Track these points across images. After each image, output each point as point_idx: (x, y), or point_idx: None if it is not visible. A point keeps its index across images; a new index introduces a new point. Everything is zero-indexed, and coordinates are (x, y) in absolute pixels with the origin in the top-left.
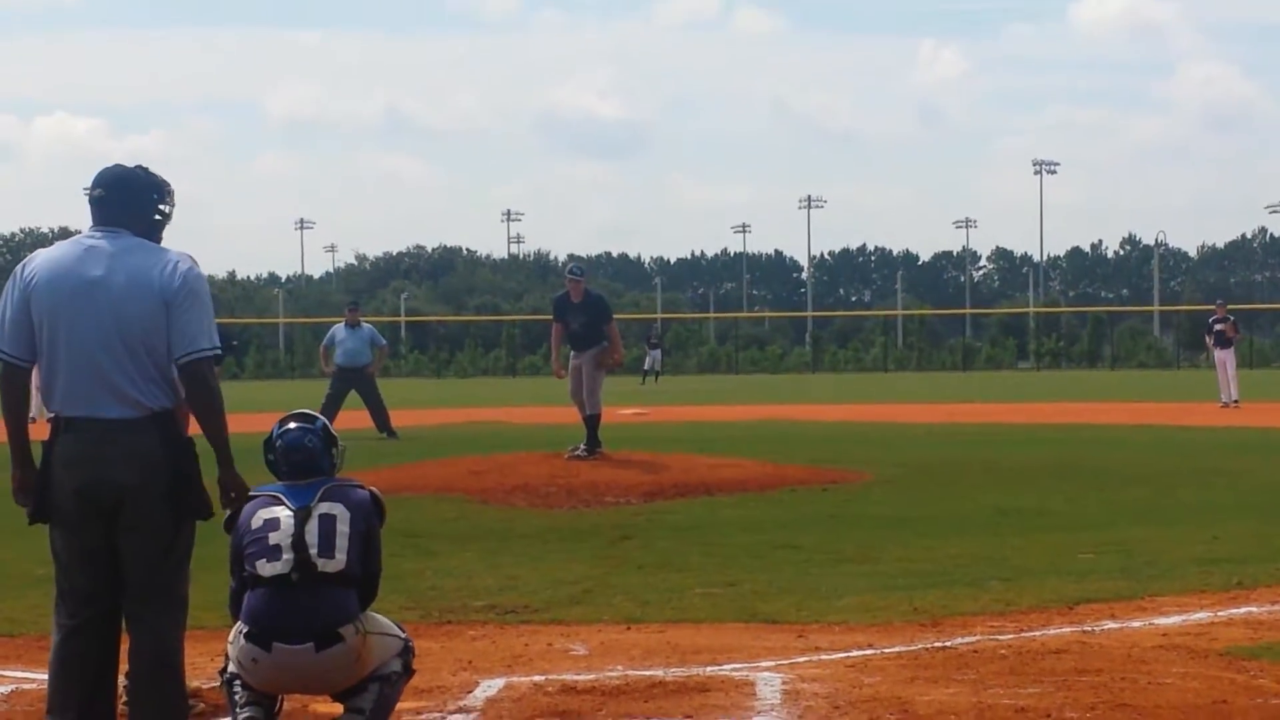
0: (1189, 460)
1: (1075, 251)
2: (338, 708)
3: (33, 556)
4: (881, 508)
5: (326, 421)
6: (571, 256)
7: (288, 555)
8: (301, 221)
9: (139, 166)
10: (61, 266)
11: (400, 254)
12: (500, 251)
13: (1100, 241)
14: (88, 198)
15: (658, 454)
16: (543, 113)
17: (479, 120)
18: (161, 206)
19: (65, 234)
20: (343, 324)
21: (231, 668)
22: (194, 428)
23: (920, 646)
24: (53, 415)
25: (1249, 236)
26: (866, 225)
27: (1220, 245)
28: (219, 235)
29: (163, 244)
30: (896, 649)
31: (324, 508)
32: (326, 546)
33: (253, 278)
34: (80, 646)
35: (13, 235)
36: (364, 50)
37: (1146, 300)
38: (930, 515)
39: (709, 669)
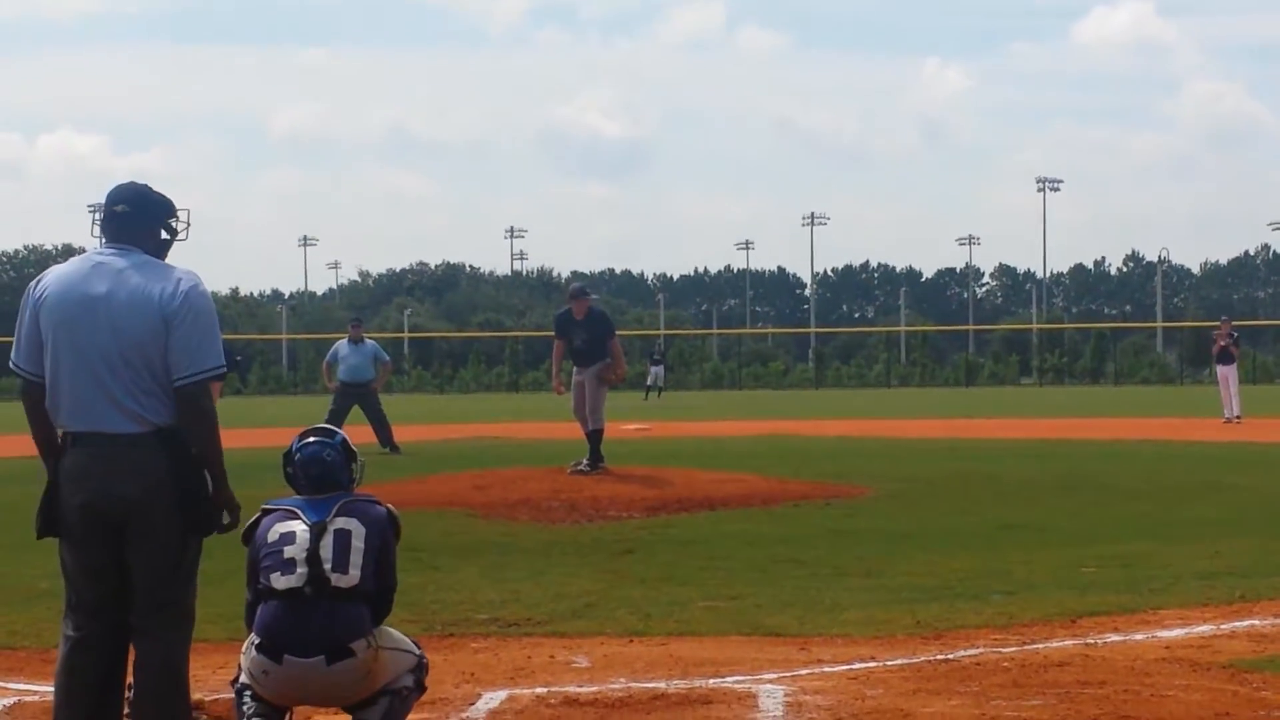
0: (1192, 475)
1: (1078, 268)
2: (343, 719)
3: (36, 570)
4: (884, 522)
5: (346, 436)
6: (575, 274)
7: (302, 569)
8: (305, 238)
9: (145, 185)
10: (69, 282)
11: (404, 270)
12: (503, 268)
13: (1103, 258)
14: (103, 214)
15: (660, 469)
16: (546, 130)
17: (483, 137)
18: (171, 224)
19: (69, 251)
20: (346, 340)
21: (243, 678)
22: None
23: (923, 659)
24: (37, 432)
25: (1252, 253)
26: (869, 242)
27: (1223, 262)
28: (222, 252)
29: (169, 263)
30: (899, 661)
31: (340, 523)
32: (341, 562)
33: (256, 294)
34: (87, 660)
35: (16, 252)
36: (367, 67)
37: (1149, 316)
38: (933, 529)
39: (711, 681)
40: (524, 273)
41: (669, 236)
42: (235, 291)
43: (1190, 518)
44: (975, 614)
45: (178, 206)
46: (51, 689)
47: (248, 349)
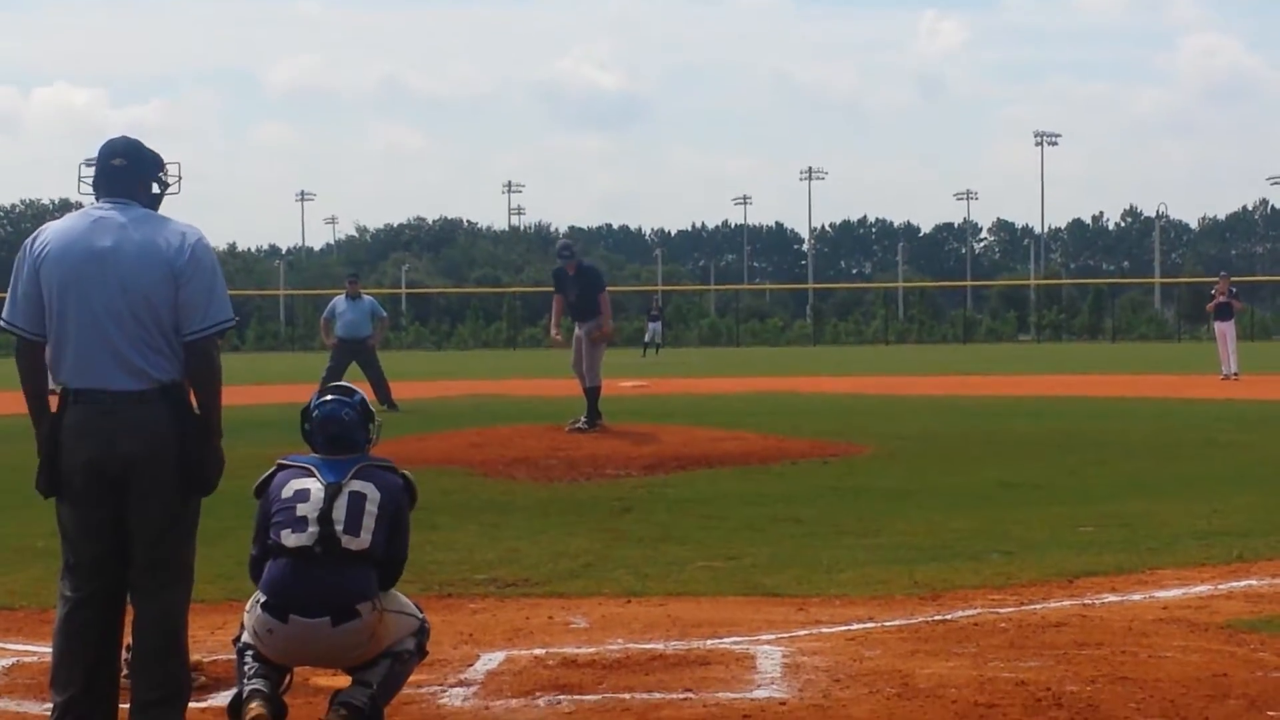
0: (1190, 433)
1: (1076, 223)
2: (339, 680)
3: (33, 530)
4: (882, 481)
5: (365, 396)
6: (572, 228)
7: (313, 528)
8: (302, 193)
9: (137, 139)
10: (71, 237)
11: (401, 226)
12: (501, 223)
13: (1101, 213)
14: (98, 169)
15: (658, 426)
16: (544, 84)
17: (479, 91)
18: (161, 177)
19: (66, 205)
20: (343, 296)
21: (246, 637)
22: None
23: (920, 620)
24: (59, 387)
25: (1250, 208)
26: (867, 197)
27: (1221, 217)
28: (219, 207)
29: (169, 216)
30: (897, 622)
31: (356, 485)
32: (353, 524)
33: (253, 250)
34: (85, 620)
35: (13, 207)
36: (364, 20)
37: (1147, 272)
38: (931, 488)
39: (709, 642)
40: (522, 228)
41: (667, 192)
42: (233, 247)
43: (1188, 476)
44: (973, 574)
45: (168, 160)
46: (49, 649)
47: (245, 305)
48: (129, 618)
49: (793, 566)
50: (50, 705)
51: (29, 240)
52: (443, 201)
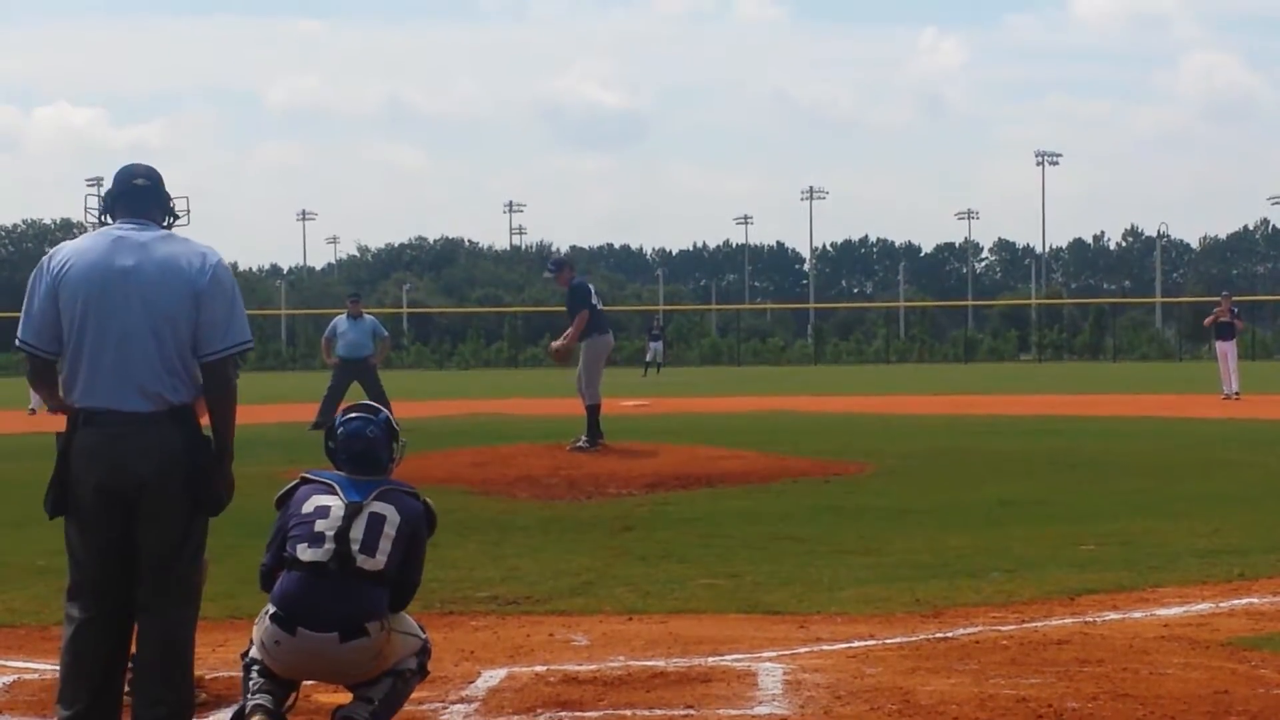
0: (1191, 452)
1: (1077, 243)
2: (339, 696)
3: (35, 548)
4: (883, 499)
5: (390, 414)
6: (573, 248)
7: (330, 545)
8: (303, 213)
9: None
10: (93, 256)
11: (402, 245)
12: (502, 243)
13: (1102, 233)
14: (117, 189)
15: (659, 445)
16: (544, 103)
17: (481, 111)
18: (172, 206)
19: (68, 225)
20: (344, 315)
21: (254, 651)
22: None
23: (922, 637)
24: (54, 408)
25: (1251, 228)
26: (868, 217)
27: (1222, 237)
28: (221, 226)
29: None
30: (898, 640)
31: (376, 507)
32: (370, 545)
33: (255, 269)
34: (92, 640)
35: (15, 226)
36: (365, 40)
37: (1148, 292)
38: (932, 507)
39: (711, 659)
40: (523, 247)
41: (668, 211)
42: (234, 266)
43: (1189, 495)
44: (974, 591)
45: (177, 195)
46: (50, 666)
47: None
48: (134, 635)
49: (794, 584)
50: None
51: (45, 259)
52: (444, 221)
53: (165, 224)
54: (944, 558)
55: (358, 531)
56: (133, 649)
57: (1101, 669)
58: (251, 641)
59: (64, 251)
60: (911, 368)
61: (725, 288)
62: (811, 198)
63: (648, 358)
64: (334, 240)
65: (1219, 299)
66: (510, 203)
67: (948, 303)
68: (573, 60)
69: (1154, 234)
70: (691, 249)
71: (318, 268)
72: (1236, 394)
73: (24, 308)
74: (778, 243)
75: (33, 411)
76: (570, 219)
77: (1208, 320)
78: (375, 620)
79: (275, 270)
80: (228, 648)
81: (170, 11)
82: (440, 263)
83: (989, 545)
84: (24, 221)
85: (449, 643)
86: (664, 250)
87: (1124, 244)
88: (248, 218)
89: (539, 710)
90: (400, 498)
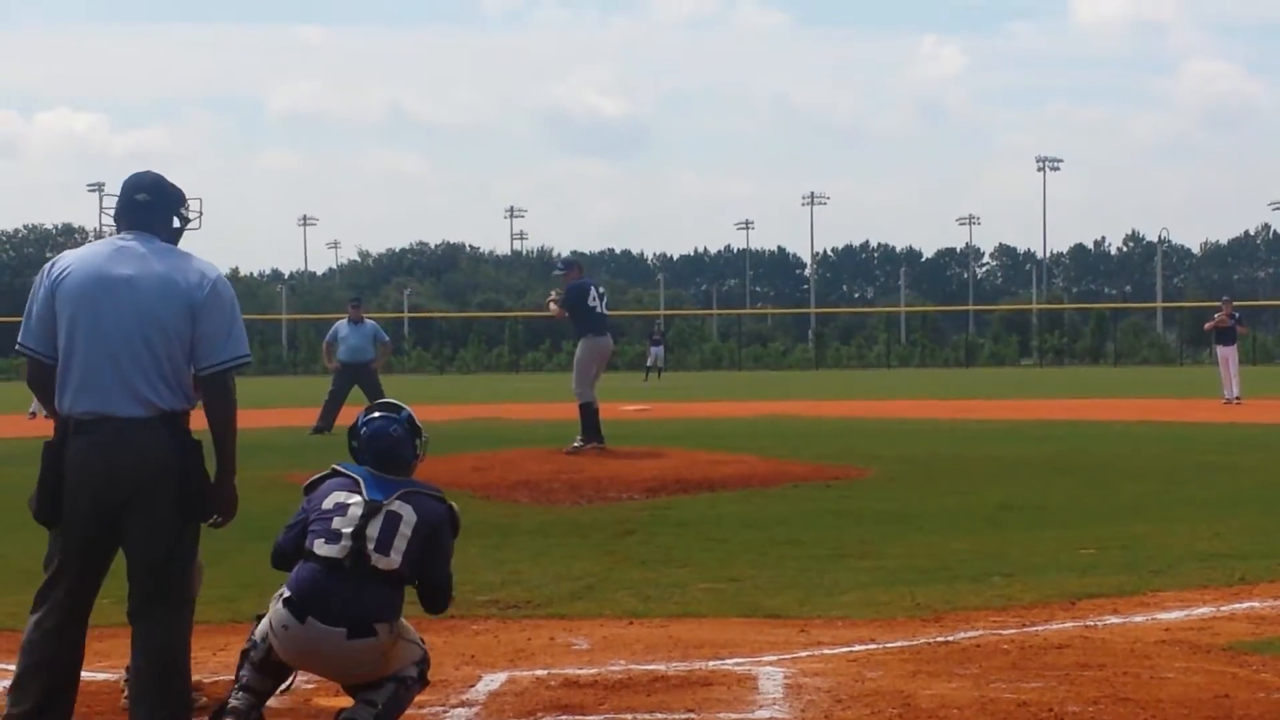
0: (1192, 456)
1: (1078, 248)
2: (340, 700)
3: (33, 551)
4: (884, 503)
5: (411, 412)
6: (575, 253)
7: (345, 542)
8: (305, 218)
9: (159, 174)
10: (91, 264)
11: (403, 250)
12: (503, 248)
13: (1103, 238)
14: (120, 202)
15: (660, 449)
16: (545, 109)
17: (482, 117)
18: (182, 212)
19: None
20: (346, 320)
21: (257, 636)
22: (196, 424)
23: (922, 641)
24: (51, 414)
25: (1252, 233)
26: (869, 222)
27: (1223, 242)
28: (222, 232)
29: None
30: (899, 644)
31: (396, 506)
32: (384, 544)
33: (256, 274)
34: (56, 642)
35: (16, 231)
36: (366, 46)
37: (1149, 297)
38: (932, 511)
39: (711, 663)
40: (524, 253)
41: (669, 216)
42: (235, 271)
43: (1190, 499)
44: (975, 595)
45: (189, 196)
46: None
47: (247, 329)
48: (128, 641)
49: (794, 588)
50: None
51: (47, 265)
52: (445, 226)
53: (177, 226)
54: (945, 562)
55: (374, 530)
56: (129, 654)
57: (1102, 673)
58: (254, 628)
59: (66, 259)
60: (912, 372)
61: (726, 293)
62: (812, 203)
63: (649, 363)
64: (335, 245)
65: (1220, 304)
66: (511, 208)
67: (949, 308)
68: (574, 66)
69: (1155, 239)
70: (692, 254)
71: (319, 273)
72: (1238, 398)
73: (25, 312)
74: (779, 248)
75: (33, 415)
76: (571, 224)
77: (1209, 325)
78: (385, 622)
79: (276, 275)
80: (228, 651)
81: (171, 17)
82: (441, 268)
83: (990, 549)
84: (25, 227)
85: (450, 647)
86: (665, 255)
87: (1125, 249)
88: (249, 223)
89: (540, 714)
90: (423, 499)
